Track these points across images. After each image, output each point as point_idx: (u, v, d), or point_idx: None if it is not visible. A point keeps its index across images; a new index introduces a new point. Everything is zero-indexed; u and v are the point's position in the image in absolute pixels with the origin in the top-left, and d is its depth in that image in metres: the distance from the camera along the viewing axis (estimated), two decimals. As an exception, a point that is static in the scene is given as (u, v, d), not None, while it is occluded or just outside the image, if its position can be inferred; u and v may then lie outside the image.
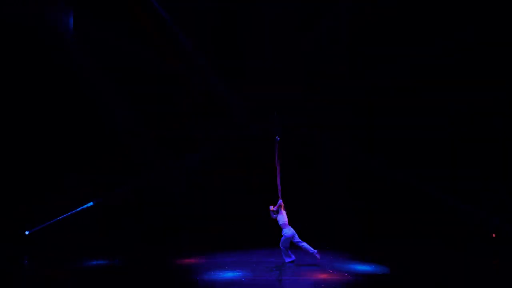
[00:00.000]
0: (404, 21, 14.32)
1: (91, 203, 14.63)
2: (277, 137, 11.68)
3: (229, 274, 10.04)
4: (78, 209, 14.52)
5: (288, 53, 15.09)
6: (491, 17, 13.80)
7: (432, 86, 14.48)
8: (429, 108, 14.70)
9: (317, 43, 15.19)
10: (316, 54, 15.20)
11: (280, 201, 11.18)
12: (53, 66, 14.42)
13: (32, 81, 14.31)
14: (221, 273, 10.10)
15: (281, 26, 14.86)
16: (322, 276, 9.89)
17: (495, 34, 13.92)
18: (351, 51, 15.09)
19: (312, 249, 10.72)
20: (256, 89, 15.17)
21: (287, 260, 10.87)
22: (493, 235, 13.91)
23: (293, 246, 10.93)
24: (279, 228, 11.07)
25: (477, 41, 14.05)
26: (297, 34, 15.04)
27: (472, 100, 14.31)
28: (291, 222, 11.03)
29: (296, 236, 10.84)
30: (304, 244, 10.76)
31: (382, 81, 14.79)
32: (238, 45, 15.34)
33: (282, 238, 10.85)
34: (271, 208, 11.22)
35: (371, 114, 15.29)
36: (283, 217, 11.01)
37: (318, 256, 10.65)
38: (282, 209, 11.12)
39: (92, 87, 14.97)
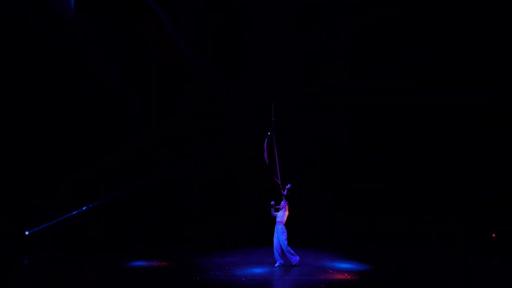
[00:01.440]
0: (404, 21, 14.31)
1: (91, 205, 14.64)
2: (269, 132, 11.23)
3: (229, 274, 10.04)
4: (79, 211, 14.51)
5: (288, 53, 15.08)
6: (491, 17, 13.80)
7: (432, 86, 14.48)
8: (429, 108, 14.70)
9: (317, 43, 15.18)
10: (316, 54, 15.19)
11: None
12: (53, 66, 14.42)
13: (32, 81, 14.32)
14: (221, 273, 10.10)
15: (281, 26, 14.85)
16: (322, 276, 9.89)
17: (495, 34, 13.92)
18: (351, 51, 15.08)
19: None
20: (256, 89, 15.17)
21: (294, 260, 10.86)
22: (493, 235, 13.92)
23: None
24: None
25: (477, 41, 14.04)
26: (297, 34, 15.02)
27: (472, 100, 14.32)
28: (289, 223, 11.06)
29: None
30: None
31: (382, 81, 14.78)
32: (238, 45, 15.33)
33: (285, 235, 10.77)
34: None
35: (371, 114, 15.29)
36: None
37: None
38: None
39: (92, 87, 14.96)
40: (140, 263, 11.23)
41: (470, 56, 14.13)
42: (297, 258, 10.74)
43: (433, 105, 14.68)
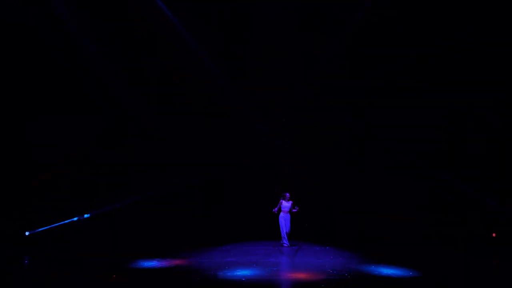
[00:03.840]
0: (404, 21, 14.30)
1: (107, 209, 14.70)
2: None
3: (229, 274, 10.04)
4: (80, 217, 14.52)
5: (288, 53, 15.07)
6: (491, 17, 13.79)
7: (432, 86, 14.47)
8: (429, 108, 14.70)
9: (317, 43, 15.16)
10: (316, 54, 15.18)
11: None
12: (53, 66, 14.42)
13: (32, 81, 14.32)
14: (221, 273, 10.10)
15: (281, 26, 14.84)
16: (322, 276, 9.89)
17: (495, 34, 13.91)
18: (351, 51, 15.08)
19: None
20: (256, 89, 15.17)
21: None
22: (493, 235, 13.91)
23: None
24: (278, 228, 12.26)
25: (477, 41, 14.04)
26: (297, 34, 15.02)
27: (472, 100, 14.31)
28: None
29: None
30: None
31: (382, 81, 14.78)
32: (239, 45, 15.33)
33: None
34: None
35: (371, 114, 15.28)
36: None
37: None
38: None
39: (92, 87, 14.95)
40: (140, 263, 11.23)
41: (470, 56, 14.12)
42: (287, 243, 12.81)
43: (433, 105, 14.68)
